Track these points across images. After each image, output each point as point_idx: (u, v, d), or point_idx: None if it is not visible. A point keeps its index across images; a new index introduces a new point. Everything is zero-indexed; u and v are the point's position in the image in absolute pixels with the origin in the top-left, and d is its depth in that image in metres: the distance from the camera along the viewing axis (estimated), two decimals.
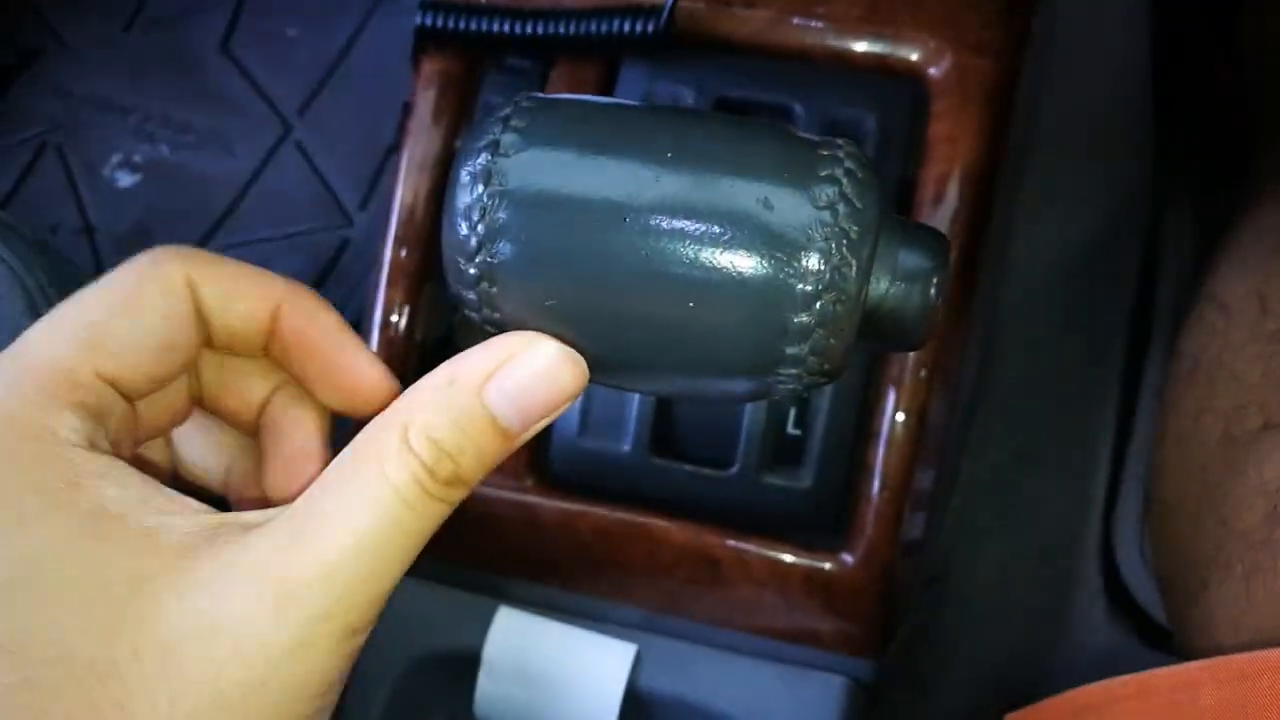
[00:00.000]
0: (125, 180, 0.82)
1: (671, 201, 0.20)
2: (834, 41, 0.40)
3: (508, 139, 0.20)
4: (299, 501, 0.20)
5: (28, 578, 0.18)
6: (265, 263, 0.78)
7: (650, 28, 0.39)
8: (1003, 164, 0.41)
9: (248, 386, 0.24)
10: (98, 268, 0.78)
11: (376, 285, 0.42)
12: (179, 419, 0.24)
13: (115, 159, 0.83)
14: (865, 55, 0.40)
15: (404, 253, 0.42)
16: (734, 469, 0.38)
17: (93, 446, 0.20)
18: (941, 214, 0.38)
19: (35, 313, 0.38)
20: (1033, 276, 0.50)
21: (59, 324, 0.21)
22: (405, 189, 0.42)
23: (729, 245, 0.19)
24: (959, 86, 0.39)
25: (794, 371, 0.20)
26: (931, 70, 0.39)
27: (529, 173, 0.20)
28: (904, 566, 0.39)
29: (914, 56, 0.40)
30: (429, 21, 0.42)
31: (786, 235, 0.19)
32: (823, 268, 0.19)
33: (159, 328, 0.21)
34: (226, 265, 0.23)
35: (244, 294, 0.23)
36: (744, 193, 0.20)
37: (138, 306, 0.21)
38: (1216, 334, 0.40)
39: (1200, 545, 0.37)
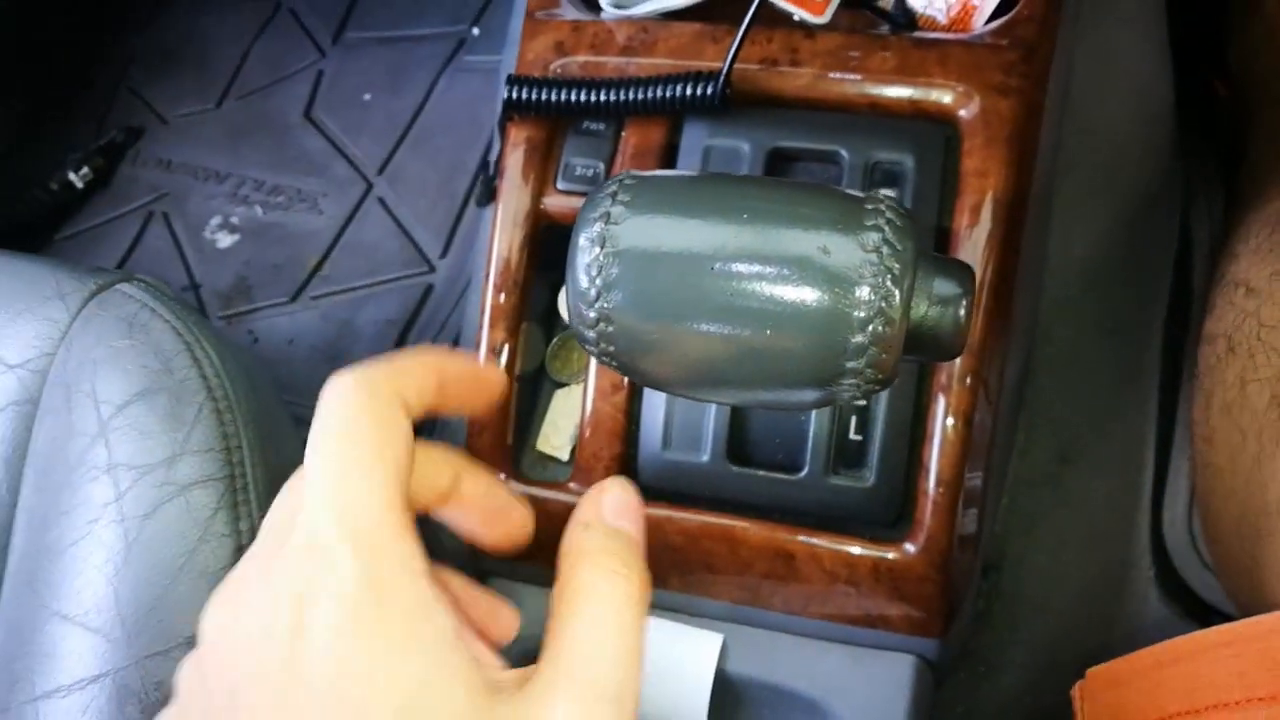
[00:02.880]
0: (225, 241, 0.90)
1: (748, 252, 0.25)
2: (872, 91, 0.45)
3: (616, 210, 0.26)
4: (550, 648, 0.24)
5: (414, 706, 0.22)
6: (357, 309, 0.88)
7: (708, 91, 0.45)
8: (1030, 189, 0.45)
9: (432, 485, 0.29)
10: None
11: (480, 327, 0.48)
12: None
13: (215, 222, 0.91)
14: (900, 102, 0.45)
15: (502, 297, 0.48)
16: (803, 472, 0.43)
17: (428, 575, 0.24)
18: (976, 238, 0.43)
19: (199, 365, 0.44)
20: (1069, 286, 0.54)
21: (373, 473, 0.24)
22: (501, 241, 0.48)
23: (797, 284, 0.25)
24: (985, 126, 0.44)
25: (853, 381, 0.25)
26: (961, 112, 0.44)
27: (635, 236, 0.25)
28: (961, 554, 0.43)
29: (945, 101, 0.44)
30: (514, 94, 0.48)
31: (842, 274, 0.24)
32: (873, 298, 0.24)
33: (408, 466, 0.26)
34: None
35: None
36: (806, 242, 0.25)
37: (406, 453, 0.26)
38: (1249, 314, 0.43)
39: (1259, 499, 0.40)
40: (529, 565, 0.49)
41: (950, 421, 0.42)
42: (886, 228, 0.25)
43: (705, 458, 0.44)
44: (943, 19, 0.50)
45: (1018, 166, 0.44)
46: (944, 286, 0.26)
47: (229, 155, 0.94)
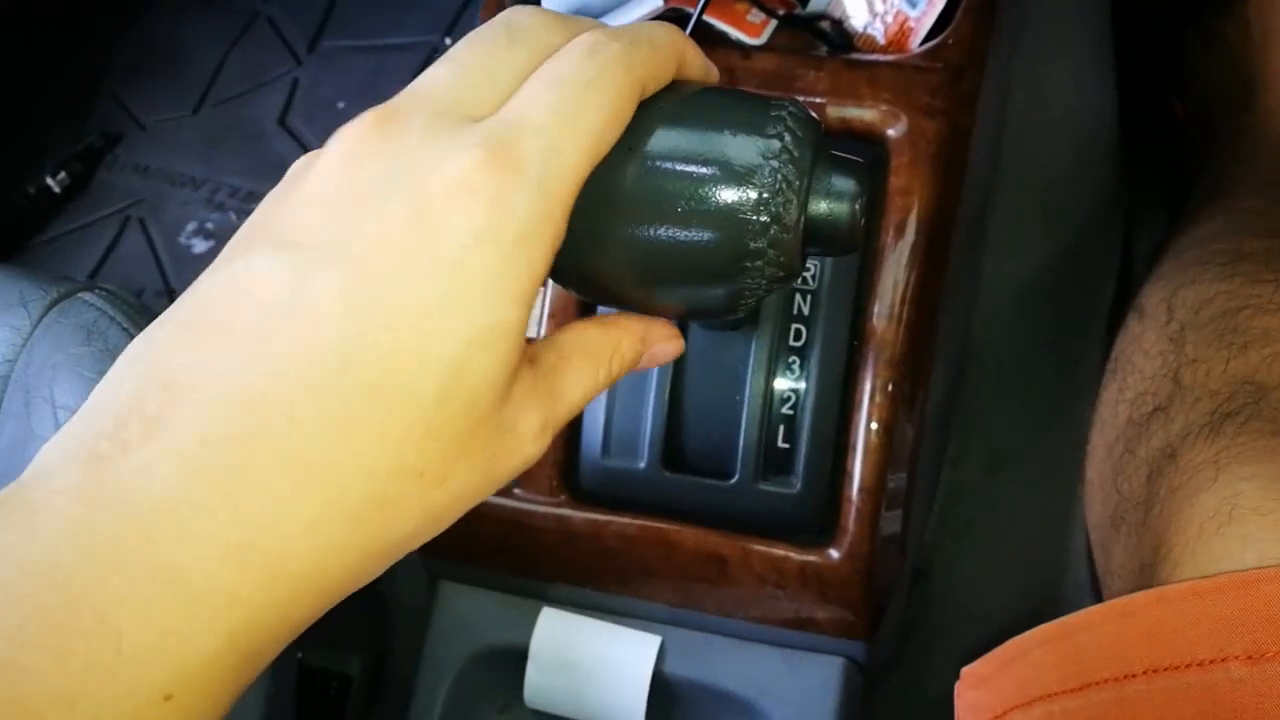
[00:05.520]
0: (200, 246, 0.92)
1: (658, 151, 0.26)
2: None
3: None
4: (547, 356, 0.27)
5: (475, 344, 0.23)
6: None
7: None
8: (957, 209, 0.47)
9: None
10: None
11: None
12: None
13: (190, 227, 0.92)
14: (831, 121, 0.47)
15: None
16: (734, 479, 0.45)
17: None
18: (899, 254, 0.45)
19: None
20: (1002, 303, 0.56)
21: (592, 150, 0.25)
22: None
23: (705, 177, 0.26)
24: (911, 145, 0.45)
25: (755, 280, 0.27)
26: (889, 131, 0.46)
27: None
28: (884, 557, 0.45)
29: (873, 120, 0.46)
30: None
31: (742, 175, 0.26)
32: (769, 202, 0.26)
33: None
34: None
35: None
36: (709, 144, 0.26)
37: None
38: (1134, 337, 0.46)
39: (1106, 512, 0.43)
40: (478, 568, 0.51)
41: (873, 429, 0.44)
42: (787, 135, 0.26)
43: (642, 464, 0.46)
44: (881, 39, 0.52)
45: (943, 185, 0.46)
46: (841, 184, 0.27)
47: (205, 162, 0.95)
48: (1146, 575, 0.37)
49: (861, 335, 0.45)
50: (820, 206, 0.27)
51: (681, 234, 0.26)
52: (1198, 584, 0.33)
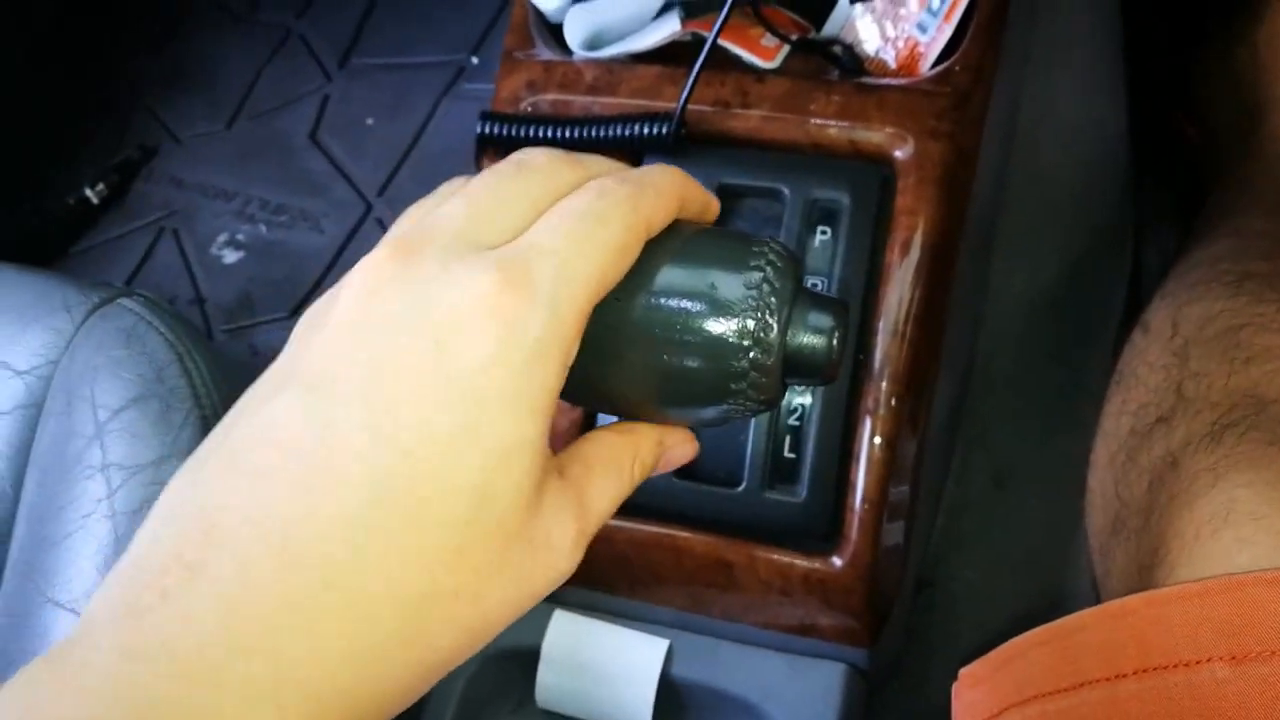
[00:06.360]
0: (230, 257, 0.94)
1: (655, 287, 0.29)
2: (815, 133, 0.49)
3: None
4: (573, 468, 0.28)
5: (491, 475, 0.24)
6: None
7: (664, 129, 0.48)
8: (962, 228, 0.48)
9: None
10: (209, 334, 0.90)
11: None
12: None
13: (222, 239, 0.95)
14: (841, 143, 0.48)
15: None
16: (741, 487, 0.46)
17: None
18: (905, 272, 0.46)
19: (188, 375, 0.48)
20: (1010, 316, 0.57)
21: (600, 279, 0.27)
22: None
23: (691, 313, 0.28)
24: (918, 167, 0.47)
25: (742, 403, 0.29)
26: (896, 153, 0.48)
27: None
28: (886, 566, 0.46)
29: (881, 142, 0.48)
30: (486, 129, 0.52)
31: (726, 306, 0.28)
32: (753, 327, 0.28)
33: None
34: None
35: None
36: (698, 279, 0.28)
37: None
38: (1139, 351, 0.47)
39: (1107, 519, 0.44)
40: None
41: (876, 442, 0.45)
42: (768, 268, 0.28)
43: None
44: (893, 63, 0.53)
45: (948, 205, 0.47)
46: (819, 319, 0.29)
47: (238, 175, 0.98)
48: (1144, 578, 0.38)
49: (867, 351, 0.46)
50: (799, 338, 0.29)
51: (678, 360, 0.28)
52: (1186, 587, 0.34)
